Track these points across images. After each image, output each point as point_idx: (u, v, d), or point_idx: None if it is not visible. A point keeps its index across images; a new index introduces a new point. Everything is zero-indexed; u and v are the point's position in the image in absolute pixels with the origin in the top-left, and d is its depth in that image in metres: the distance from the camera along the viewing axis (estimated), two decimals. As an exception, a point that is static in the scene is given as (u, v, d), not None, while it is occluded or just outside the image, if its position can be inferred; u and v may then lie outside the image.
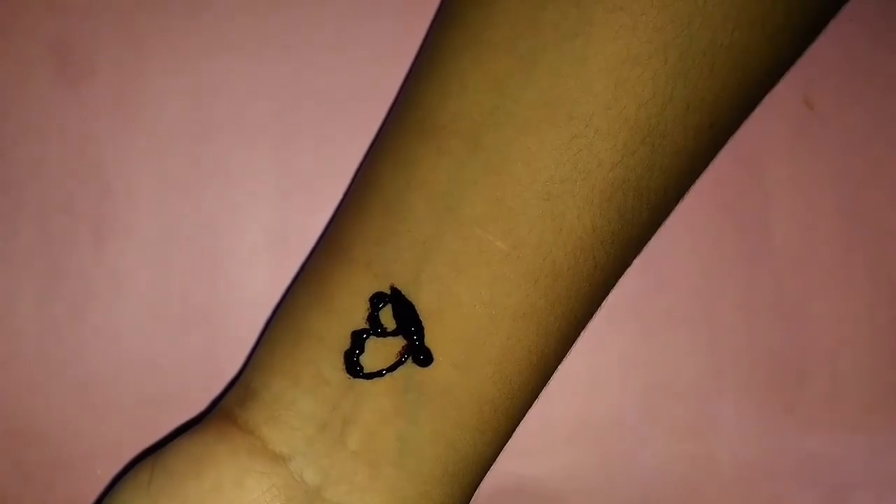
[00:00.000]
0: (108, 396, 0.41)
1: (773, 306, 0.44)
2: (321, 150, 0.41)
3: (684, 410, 0.44)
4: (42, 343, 0.40)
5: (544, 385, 0.35)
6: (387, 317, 0.32)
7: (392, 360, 0.32)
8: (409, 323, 0.32)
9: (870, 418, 0.45)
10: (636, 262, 0.36)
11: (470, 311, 0.32)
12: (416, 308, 0.32)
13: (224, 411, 0.34)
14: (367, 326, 0.32)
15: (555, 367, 0.35)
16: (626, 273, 0.36)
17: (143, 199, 0.40)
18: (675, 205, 0.36)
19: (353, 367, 0.32)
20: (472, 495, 0.34)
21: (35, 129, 0.40)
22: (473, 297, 0.32)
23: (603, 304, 0.36)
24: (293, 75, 0.41)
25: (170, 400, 0.40)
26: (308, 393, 0.32)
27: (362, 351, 0.32)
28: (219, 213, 0.41)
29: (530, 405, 0.35)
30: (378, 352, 0.32)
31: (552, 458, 0.43)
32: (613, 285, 0.35)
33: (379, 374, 0.32)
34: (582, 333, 0.36)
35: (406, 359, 0.32)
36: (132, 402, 0.41)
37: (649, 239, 0.36)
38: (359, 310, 0.32)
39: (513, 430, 0.35)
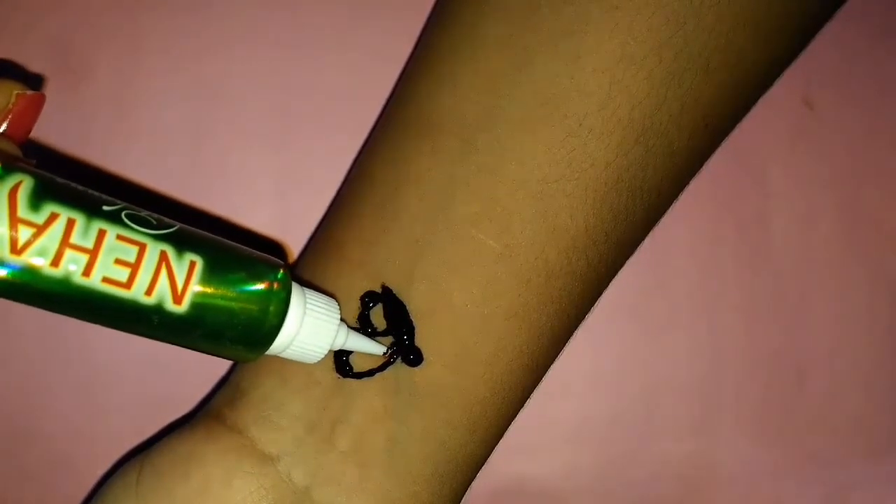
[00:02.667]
0: (108, 396, 0.41)
1: (772, 306, 0.44)
2: (320, 149, 0.41)
3: (684, 410, 0.44)
4: (42, 343, 0.40)
5: (536, 385, 0.35)
6: (378, 316, 0.32)
7: (382, 360, 0.32)
8: (400, 323, 0.32)
9: (869, 418, 0.44)
10: (636, 262, 0.36)
11: (462, 311, 0.32)
12: (408, 308, 0.32)
13: (213, 411, 0.34)
14: (357, 326, 0.32)
15: (547, 368, 0.35)
16: (626, 273, 0.36)
17: (141, 200, 0.41)
18: (670, 205, 0.36)
19: (342, 366, 0.32)
20: (463, 495, 0.34)
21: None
22: (466, 296, 0.32)
23: (597, 303, 0.35)
24: (292, 75, 0.41)
25: (170, 400, 0.40)
26: (297, 393, 0.32)
27: (352, 351, 0.32)
28: (218, 213, 0.41)
29: (522, 405, 0.35)
30: None
31: (552, 457, 0.43)
32: (607, 285, 0.35)
33: (369, 373, 0.32)
34: (582, 333, 0.36)
35: (396, 359, 0.32)
36: (132, 402, 0.41)
37: (643, 239, 0.36)
38: (350, 309, 0.32)
39: (504, 430, 0.35)
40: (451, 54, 0.34)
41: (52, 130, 0.40)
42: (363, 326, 0.32)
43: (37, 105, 0.28)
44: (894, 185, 0.45)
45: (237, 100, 0.41)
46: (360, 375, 0.32)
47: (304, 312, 0.30)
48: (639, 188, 0.33)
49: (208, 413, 0.34)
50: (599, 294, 0.35)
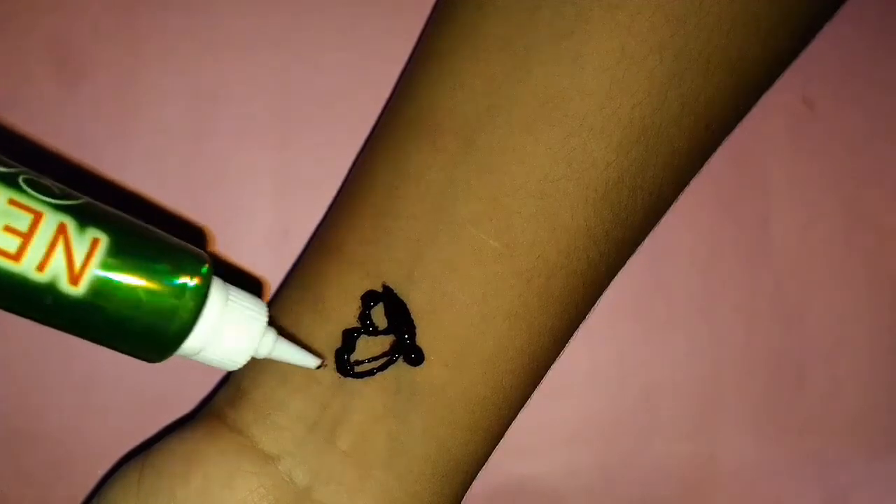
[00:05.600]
0: (108, 396, 0.41)
1: (772, 306, 0.44)
2: (320, 149, 0.41)
3: (684, 410, 0.44)
4: (42, 343, 0.40)
5: (536, 385, 0.35)
6: (379, 316, 0.32)
7: (383, 359, 0.32)
8: (400, 322, 0.32)
9: (869, 418, 0.44)
10: (636, 262, 0.36)
11: (462, 311, 0.32)
12: (409, 307, 0.32)
13: (214, 410, 0.34)
14: (358, 325, 0.32)
15: (547, 368, 0.35)
16: (626, 273, 0.36)
17: (141, 200, 0.41)
18: (670, 204, 0.36)
19: (343, 366, 0.32)
20: (464, 495, 0.34)
21: (33, 128, 0.40)
22: (466, 296, 0.32)
23: (597, 303, 0.36)
24: (292, 75, 0.41)
25: (170, 400, 0.40)
26: (298, 392, 0.32)
27: (353, 350, 0.32)
28: (218, 213, 0.41)
29: (522, 405, 0.35)
30: (369, 350, 0.32)
31: (552, 457, 0.43)
32: (607, 285, 0.35)
33: (370, 373, 0.31)
34: (582, 333, 0.36)
35: (397, 358, 0.32)
36: (132, 402, 0.41)
37: (644, 238, 0.36)
38: (350, 308, 0.32)
39: (504, 430, 0.35)
40: (451, 54, 0.34)
41: (51, 130, 0.40)
42: (364, 326, 0.32)
43: None
44: (894, 185, 0.45)
45: (237, 100, 0.41)
46: (361, 375, 0.32)
47: (223, 313, 0.27)
48: (639, 188, 0.33)
49: (209, 413, 0.34)
50: (600, 294, 0.35)
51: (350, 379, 0.32)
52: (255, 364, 0.33)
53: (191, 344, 0.27)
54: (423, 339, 0.32)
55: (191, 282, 0.26)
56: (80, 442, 0.41)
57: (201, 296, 0.27)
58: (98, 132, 0.40)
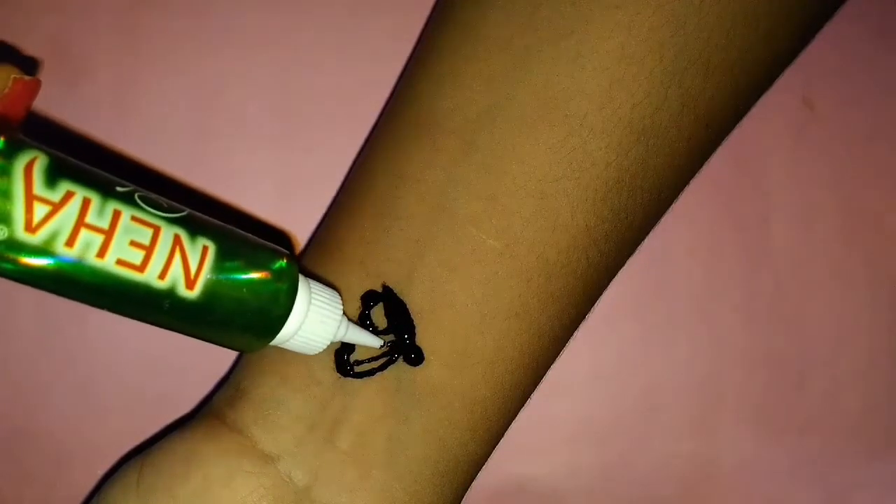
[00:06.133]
0: (108, 396, 0.41)
1: (772, 306, 0.44)
2: (321, 149, 0.41)
3: (684, 410, 0.44)
4: (42, 343, 0.40)
5: (536, 385, 0.35)
6: (379, 316, 0.32)
7: (382, 359, 0.32)
8: (400, 322, 0.32)
9: (869, 418, 0.44)
10: (636, 262, 0.36)
11: (462, 311, 0.32)
12: (409, 307, 0.32)
13: (213, 410, 0.33)
14: (357, 322, 0.32)
15: (547, 368, 0.35)
16: (626, 273, 0.36)
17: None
18: (670, 204, 0.36)
19: (343, 366, 0.32)
20: (463, 495, 0.34)
21: (32, 128, 0.40)
22: (466, 295, 0.32)
23: (597, 303, 0.35)
24: (293, 75, 0.41)
25: (170, 400, 0.40)
26: (298, 392, 0.32)
27: (353, 350, 0.32)
28: (217, 213, 0.41)
29: (522, 405, 0.35)
30: (369, 351, 0.32)
31: (553, 457, 0.43)
32: (607, 285, 0.35)
33: (370, 373, 0.31)
34: (582, 333, 0.36)
35: (397, 358, 0.32)
36: (132, 402, 0.41)
37: (643, 238, 0.36)
38: (350, 308, 0.32)
39: (504, 430, 0.35)
40: (451, 54, 0.34)
41: (51, 130, 0.40)
42: (364, 326, 0.32)
43: (32, 90, 0.28)
44: (894, 185, 0.45)
45: (237, 100, 0.41)
46: (360, 375, 0.31)
47: (310, 302, 0.30)
48: (639, 188, 0.33)
49: (208, 412, 0.34)
50: (600, 294, 0.35)
51: (350, 379, 0.32)
52: (254, 364, 0.33)
53: (284, 333, 0.29)
54: (423, 339, 0.32)
55: (283, 276, 0.29)
56: (80, 442, 0.41)
57: (292, 289, 0.29)
58: (98, 132, 0.40)
